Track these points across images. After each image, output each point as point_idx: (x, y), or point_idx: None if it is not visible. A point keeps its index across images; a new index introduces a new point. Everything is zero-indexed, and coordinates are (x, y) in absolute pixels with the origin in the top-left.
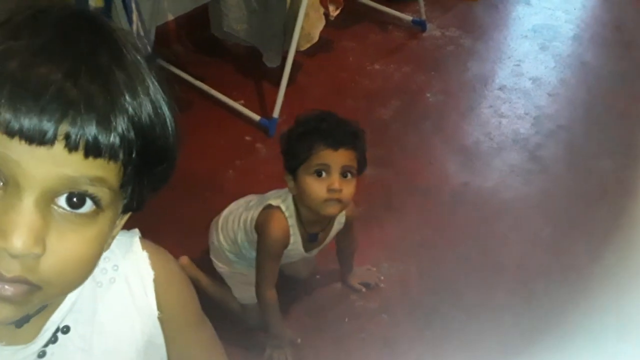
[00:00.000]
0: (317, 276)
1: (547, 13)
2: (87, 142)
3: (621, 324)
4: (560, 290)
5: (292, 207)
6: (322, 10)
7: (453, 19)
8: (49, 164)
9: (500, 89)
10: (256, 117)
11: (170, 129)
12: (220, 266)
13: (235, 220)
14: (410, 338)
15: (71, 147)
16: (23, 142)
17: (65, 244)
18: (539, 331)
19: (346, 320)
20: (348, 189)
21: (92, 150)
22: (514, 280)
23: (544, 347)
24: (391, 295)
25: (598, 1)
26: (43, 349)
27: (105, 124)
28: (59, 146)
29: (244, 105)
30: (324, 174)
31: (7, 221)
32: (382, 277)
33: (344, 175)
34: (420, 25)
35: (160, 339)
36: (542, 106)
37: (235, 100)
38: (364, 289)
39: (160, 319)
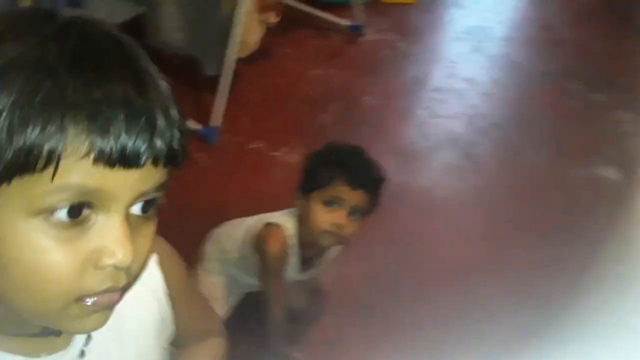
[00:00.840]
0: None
1: (479, 15)
2: (167, 153)
3: (562, 316)
4: (494, 282)
5: (294, 227)
6: (260, 17)
7: (389, 23)
8: (136, 182)
9: (435, 90)
10: (196, 127)
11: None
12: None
13: (229, 234)
14: (352, 338)
15: (157, 162)
16: (121, 169)
17: (143, 244)
18: (477, 322)
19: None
20: (351, 227)
21: (171, 158)
22: (450, 274)
23: (483, 339)
24: (333, 296)
25: (527, 3)
26: (82, 348)
27: (174, 130)
28: (147, 164)
29: None
30: (335, 206)
31: (108, 240)
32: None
33: (352, 214)
34: (357, 30)
35: (169, 314)
36: (476, 105)
37: None
38: None
39: (169, 295)
